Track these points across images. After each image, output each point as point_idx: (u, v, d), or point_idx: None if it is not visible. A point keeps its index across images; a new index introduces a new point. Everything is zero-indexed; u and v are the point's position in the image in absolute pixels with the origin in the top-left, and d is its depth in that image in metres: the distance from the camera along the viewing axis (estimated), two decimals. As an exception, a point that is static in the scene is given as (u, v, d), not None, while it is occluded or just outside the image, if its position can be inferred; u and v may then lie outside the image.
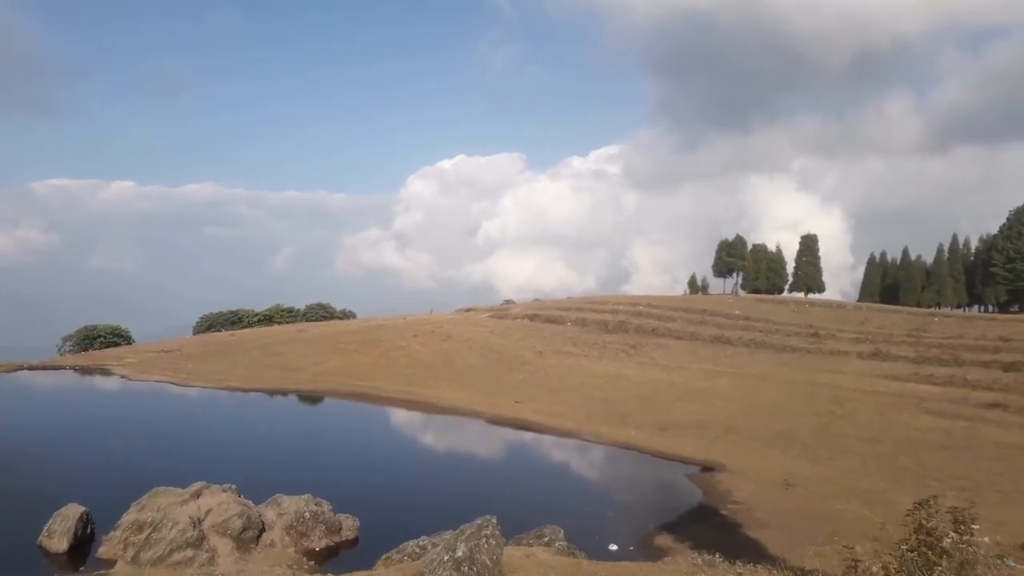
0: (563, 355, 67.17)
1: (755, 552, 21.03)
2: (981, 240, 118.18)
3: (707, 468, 34.50)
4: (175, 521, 20.49)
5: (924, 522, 9.40)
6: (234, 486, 23.49)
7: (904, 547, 7.02)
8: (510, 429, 44.22)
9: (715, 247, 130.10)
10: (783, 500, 28.37)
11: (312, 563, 20.63)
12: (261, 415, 48.44)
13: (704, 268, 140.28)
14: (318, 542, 22.07)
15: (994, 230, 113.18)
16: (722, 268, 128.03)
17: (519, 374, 60.32)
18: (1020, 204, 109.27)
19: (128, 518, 21.39)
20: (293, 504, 23.09)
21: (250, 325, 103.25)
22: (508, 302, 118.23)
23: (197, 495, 22.50)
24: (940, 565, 5.95)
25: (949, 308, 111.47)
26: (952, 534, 6.86)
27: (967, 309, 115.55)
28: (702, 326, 76.88)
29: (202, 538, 20.31)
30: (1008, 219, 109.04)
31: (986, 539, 7.21)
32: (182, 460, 30.94)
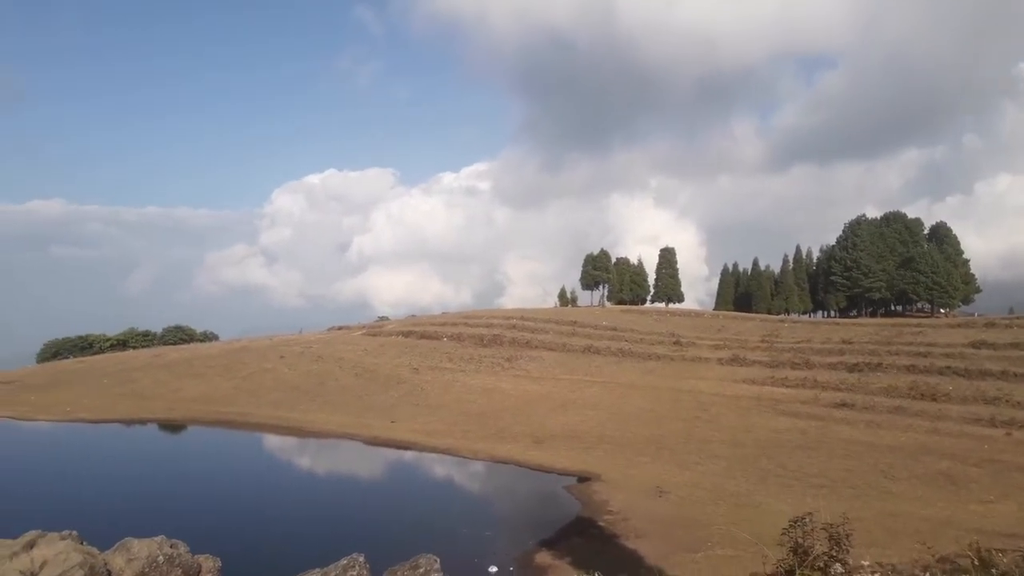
0: (439, 371, 66.46)
1: (633, 564, 21.28)
2: (821, 251, 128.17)
3: (583, 478, 34.86)
4: (2, 578, 18.12)
5: (800, 541, 9.50)
6: (75, 532, 21.05)
7: None
8: (386, 450, 43.03)
9: (582, 261, 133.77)
10: (656, 508, 29.01)
11: (167, 612, 18.83)
12: (111, 450, 44.65)
13: (573, 281, 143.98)
14: (174, 588, 20.21)
15: (831, 241, 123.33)
16: (589, 281, 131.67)
17: (395, 392, 59.04)
18: (853, 218, 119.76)
19: (-55, 578, 18.75)
20: (144, 548, 20.97)
21: (102, 351, 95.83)
22: (383, 319, 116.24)
23: (30, 546, 20.01)
24: None
25: (796, 314, 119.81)
26: (839, 570, 6.87)
27: (812, 315, 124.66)
28: (573, 337, 78.45)
29: (36, 595, 18.07)
30: (844, 231, 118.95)
31: (865, 563, 7.27)
32: (14, 506, 27.76)
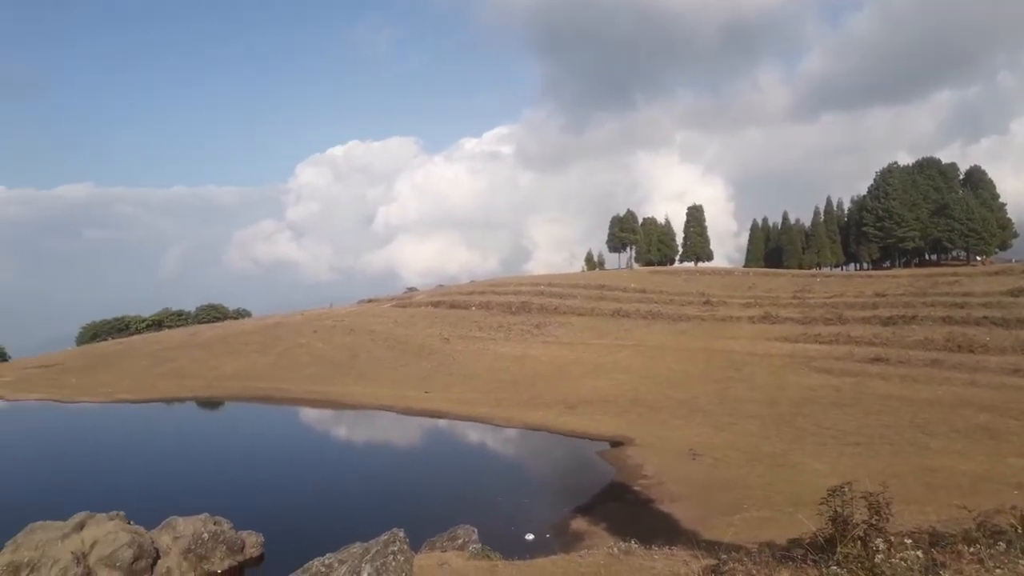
0: (469, 340, 66.80)
1: (669, 528, 21.34)
2: (852, 201, 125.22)
3: (616, 443, 34.97)
4: (55, 559, 18.74)
5: (839, 510, 9.39)
6: (122, 513, 21.77)
7: (834, 567, 6.85)
8: (421, 420, 43.56)
9: (608, 223, 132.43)
10: (691, 470, 29.03)
11: (215, 587, 19.41)
12: (153, 429, 45.69)
13: (599, 243, 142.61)
14: (219, 564, 20.79)
15: (863, 191, 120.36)
16: (616, 243, 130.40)
17: (427, 363, 59.54)
18: (884, 166, 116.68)
19: (1, 560, 19.43)
20: (190, 526, 21.64)
21: (138, 332, 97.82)
22: (411, 290, 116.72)
23: (80, 527, 20.71)
24: None
25: (828, 268, 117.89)
26: (881, 546, 6.74)
27: (844, 268, 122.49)
28: (601, 301, 78.18)
29: (88, 574, 18.69)
30: (875, 180, 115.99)
31: (907, 540, 7.16)
32: (63, 488, 28.69)
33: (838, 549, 7.67)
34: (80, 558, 19.09)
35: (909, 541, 7.15)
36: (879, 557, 6.60)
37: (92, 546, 19.94)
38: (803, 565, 8.66)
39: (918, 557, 6.53)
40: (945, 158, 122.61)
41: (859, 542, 7.73)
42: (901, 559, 6.47)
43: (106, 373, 61.29)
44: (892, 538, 7.48)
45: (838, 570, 6.97)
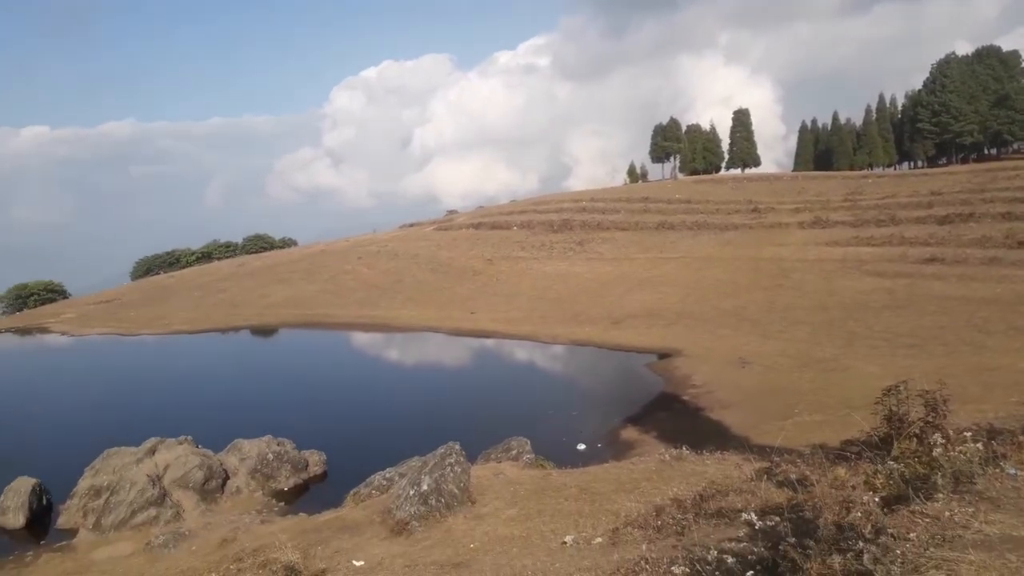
0: (512, 260, 66.88)
1: (719, 435, 21.49)
2: (907, 97, 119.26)
3: (664, 355, 35.04)
4: (133, 482, 19.82)
5: (894, 408, 9.21)
6: (190, 437, 22.84)
7: (891, 462, 6.73)
8: (469, 339, 44.21)
9: (651, 133, 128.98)
10: (740, 378, 29.02)
11: (282, 504, 20.37)
12: (211, 357, 47.33)
13: (642, 155, 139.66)
14: (285, 482, 21.76)
15: (918, 86, 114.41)
16: (659, 153, 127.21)
17: (471, 284, 59.97)
18: (941, 57, 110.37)
19: (83, 484, 20.65)
20: (255, 447, 22.61)
21: (188, 265, 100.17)
22: (452, 212, 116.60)
23: (152, 452, 21.83)
24: (933, 477, 5.69)
25: (881, 168, 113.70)
26: (939, 440, 6.59)
27: (898, 167, 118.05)
28: (645, 215, 77.06)
29: (163, 495, 19.76)
30: (931, 73, 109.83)
31: (967, 432, 6.99)
32: (133, 416, 30.02)
33: (895, 445, 7.56)
34: (155, 480, 20.15)
35: (968, 434, 7.00)
36: (937, 451, 6.48)
37: (165, 469, 21.02)
38: (857, 462, 8.60)
39: (978, 449, 6.39)
40: (1007, 46, 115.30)
41: (915, 439, 7.61)
42: (961, 451, 6.33)
43: (162, 306, 63.24)
44: (951, 432, 7.33)
45: (895, 465, 6.87)
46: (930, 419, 8.58)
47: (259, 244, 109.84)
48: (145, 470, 20.53)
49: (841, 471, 7.63)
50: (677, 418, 25.25)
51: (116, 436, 23.29)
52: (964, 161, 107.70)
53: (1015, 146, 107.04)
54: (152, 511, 19.14)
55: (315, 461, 23.23)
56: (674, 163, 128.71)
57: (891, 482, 6.17)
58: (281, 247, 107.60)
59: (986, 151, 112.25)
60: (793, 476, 9.13)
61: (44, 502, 20.82)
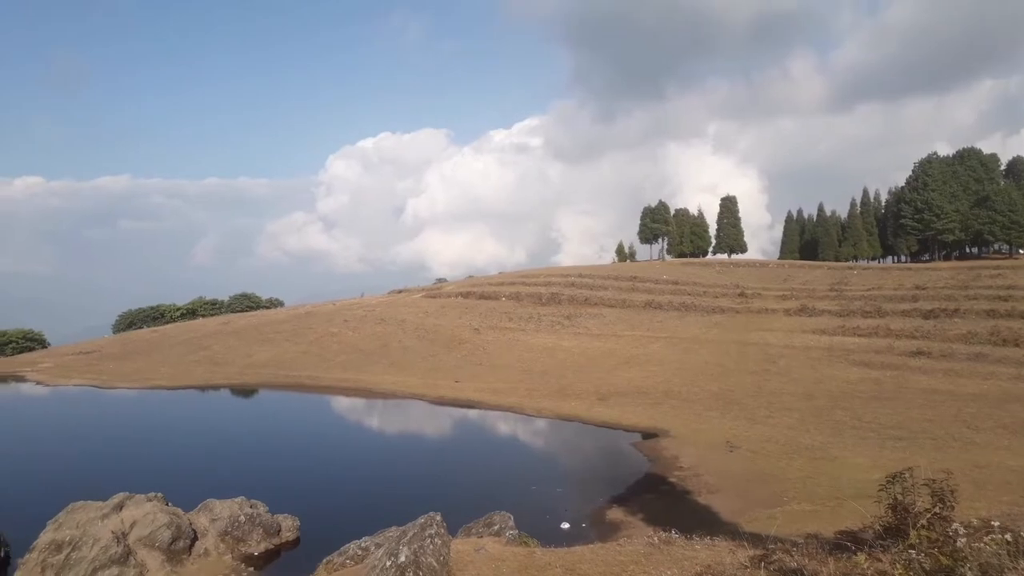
0: (500, 331, 66.66)
1: (708, 519, 20.92)
2: (890, 192, 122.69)
3: (650, 435, 34.53)
4: (96, 538, 18.93)
5: (900, 497, 8.95)
6: (160, 494, 21.97)
7: (911, 551, 6.43)
8: (453, 409, 43.46)
9: (639, 214, 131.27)
10: (728, 463, 28.51)
11: (251, 569, 19.48)
12: (189, 415, 46.21)
13: (630, 235, 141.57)
14: (256, 546, 20.85)
15: (900, 182, 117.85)
16: (647, 234, 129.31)
17: (457, 353, 59.52)
18: (923, 156, 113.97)
19: (44, 538, 19.66)
20: (226, 508, 21.77)
21: (173, 320, 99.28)
22: (441, 280, 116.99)
23: (119, 507, 20.93)
24: (960, 570, 5.41)
25: (866, 260, 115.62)
26: (960, 528, 6.33)
27: (882, 260, 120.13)
28: (633, 293, 77.54)
29: (128, 553, 18.84)
30: (913, 171, 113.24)
31: (974, 520, 6.76)
32: (102, 470, 29.06)
33: (911, 534, 7.26)
34: (120, 537, 19.26)
35: (997, 524, 6.74)
36: (961, 541, 6.21)
37: (131, 526, 20.13)
38: (872, 552, 8.26)
39: (1006, 541, 6.13)
40: (986, 149, 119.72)
41: (928, 530, 7.32)
42: (987, 542, 6.06)
43: (142, 360, 62.24)
44: (974, 522, 7.08)
45: (914, 555, 6.57)
46: (937, 510, 8.31)
47: (245, 303, 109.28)
48: (110, 526, 19.64)
49: (861, 558, 7.28)
50: (664, 500, 24.63)
51: (85, 490, 22.38)
52: (947, 258, 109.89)
53: (996, 246, 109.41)
54: (114, 569, 18.20)
55: (288, 526, 22.35)
56: (662, 245, 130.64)
57: (911, 574, 5.88)
58: (267, 307, 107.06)
59: (968, 249, 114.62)
60: (792, 564, 8.78)
61: (2, 554, 19.85)
